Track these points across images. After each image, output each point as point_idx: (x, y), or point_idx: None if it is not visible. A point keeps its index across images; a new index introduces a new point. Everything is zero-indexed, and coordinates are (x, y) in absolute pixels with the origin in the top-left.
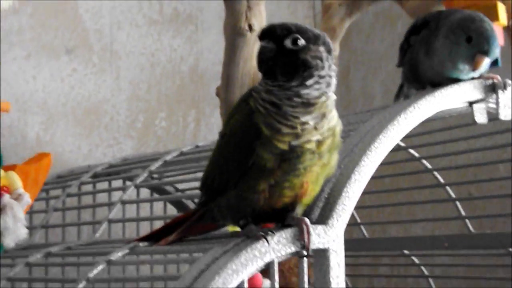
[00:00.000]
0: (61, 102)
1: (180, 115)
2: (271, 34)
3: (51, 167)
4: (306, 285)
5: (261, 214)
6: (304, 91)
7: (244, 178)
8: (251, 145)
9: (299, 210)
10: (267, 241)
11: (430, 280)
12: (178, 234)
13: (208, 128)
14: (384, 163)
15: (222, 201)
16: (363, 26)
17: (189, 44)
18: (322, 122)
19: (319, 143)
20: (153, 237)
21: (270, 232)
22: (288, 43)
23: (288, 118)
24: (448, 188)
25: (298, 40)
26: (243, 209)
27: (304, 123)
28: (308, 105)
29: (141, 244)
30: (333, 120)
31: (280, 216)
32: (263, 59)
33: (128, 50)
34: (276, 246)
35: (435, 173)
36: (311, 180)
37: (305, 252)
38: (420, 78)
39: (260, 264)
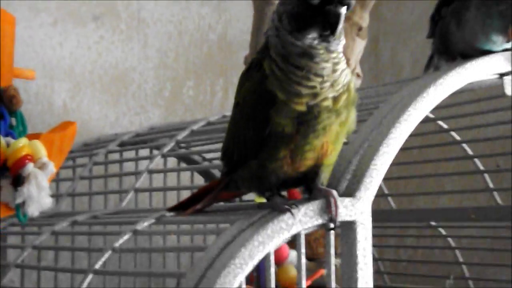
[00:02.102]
0: (88, 70)
1: (208, 83)
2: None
3: (78, 135)
4: (333, 257)
5: (286, 180)
6: (341, 49)
7: (263, 147)
8: (266, 113)
9: (324, 173)
10: (292, 214)
11: (457, 252)
12: (204, 203)
13: None
14: (412, 135)
15: (244, 172)
16: None
17: (217, 12)
18: (339, 79)
19: (335, 100)
20: (180, 207)
21: (294, 206)
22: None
23: (310, 78)
24: (476, 160)
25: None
26: (266, 178)
27: (324, 81)
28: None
29: (167, 214)
30: (348, 76)
31: (305, 180)
32: (338, 23)
33: (156, 17)
34: (303, 218)
35: (464, 145)
36: (331, 140)
37: (332, 225)
38: (450, 49)
39: (287, 236)
